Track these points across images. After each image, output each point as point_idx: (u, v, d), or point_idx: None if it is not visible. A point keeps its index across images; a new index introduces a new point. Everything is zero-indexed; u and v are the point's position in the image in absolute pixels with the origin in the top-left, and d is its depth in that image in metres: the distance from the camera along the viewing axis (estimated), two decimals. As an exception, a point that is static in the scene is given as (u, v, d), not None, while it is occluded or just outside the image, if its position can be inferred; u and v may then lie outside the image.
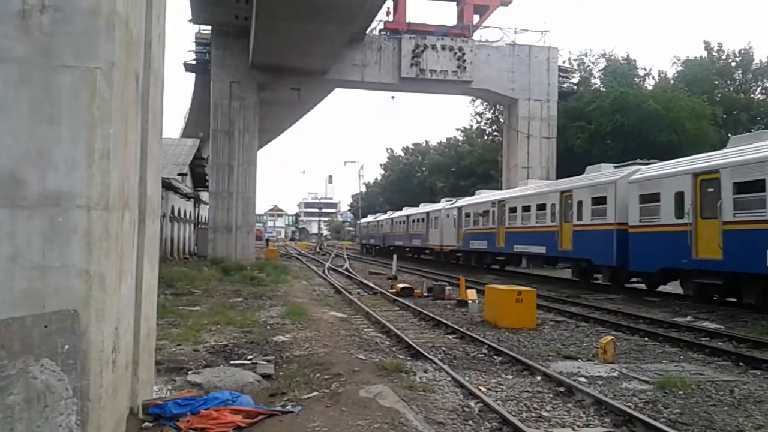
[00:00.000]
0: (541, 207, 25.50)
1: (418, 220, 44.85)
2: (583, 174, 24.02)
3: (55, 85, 4.55)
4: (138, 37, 5.51)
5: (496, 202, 30.48)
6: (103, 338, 4.64)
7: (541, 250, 25.34)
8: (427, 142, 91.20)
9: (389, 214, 56.76)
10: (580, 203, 22.34)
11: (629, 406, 7.10)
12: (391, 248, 50.56)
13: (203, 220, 48.68)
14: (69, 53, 4.58)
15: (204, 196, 44.96)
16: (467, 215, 34.06)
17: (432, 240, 40.51)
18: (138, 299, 5.76)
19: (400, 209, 54.84)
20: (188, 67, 37.19)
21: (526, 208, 26.92)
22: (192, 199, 44.01)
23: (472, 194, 38.05)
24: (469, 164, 58.78)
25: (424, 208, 44.96)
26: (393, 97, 46.17)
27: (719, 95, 46.28)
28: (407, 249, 48.86)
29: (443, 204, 39.65)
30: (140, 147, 5.71)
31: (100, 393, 4.60)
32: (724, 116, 43.74)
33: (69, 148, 4.53)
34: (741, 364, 9.83)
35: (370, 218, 70.10)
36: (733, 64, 48.93)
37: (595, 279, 22.75)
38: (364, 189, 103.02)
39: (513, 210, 28.38)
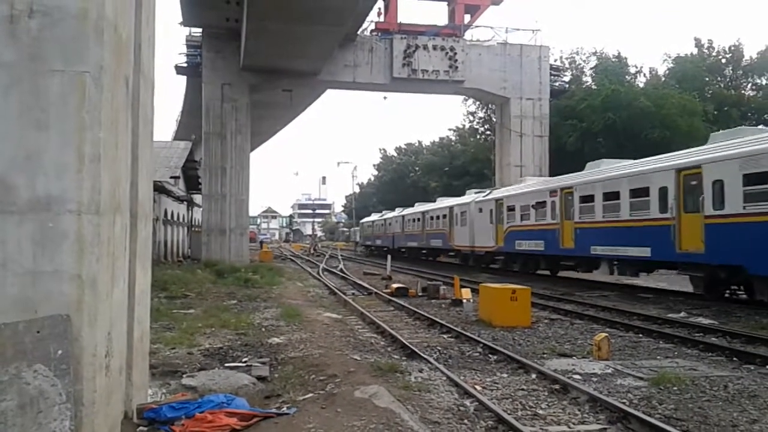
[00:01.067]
0: (640, 193, 18.57)
1: (438, 217, 38.32)
2: (706, 145, 17.87)
3: (44, 89, 4.54)
4: (127, 40, 5.50)
5: (557, 189, 23.64)
6: (95, 343, 4.63)
7: (641, 252, 18.31)
8: (420, 142, 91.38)
9: (399, 212, 50.17)
10: (717, 184, 15.71)
11: (624, 403, 7.13)
12: (402, 250, 46.81)
13: (196, 223, 48.58)
14: (58, 57, 4.57)
15: (197, 198, 44.84)
16: (510, 209, 27.46)
17: (458, 240, 34.09)
18: (131, 303, 5.75)
19: (412, 206, 48.50)
20: (179, 69, 37.07)
21: (611, 196, 20.06)
22: (185, 202, 43.91)
23: (464, 193, 37.51)
24: (462, 164, 58.83)
25: (446, 202, 38.88)
26: (385, 98, 46.15)
27: (710, 92, 46.44)
28: (424, 251, 43.05)
29: (473, 196, 33.57)
30: (131, 150, 5.71)
31: (94, 398, 4.59)
32: (715, 112, 43.85)
33: (59, 153, 4.53)
34: (735, 359, 9.88)
35: (374, 216, 62.36)
36: (724, 60, 49.08)
37: (734, 293, 17.03)
38: (357, 190, 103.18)
39: (587, 199, 21.45)
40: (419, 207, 44.61)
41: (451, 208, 35.94)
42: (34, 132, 4.50)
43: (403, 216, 47.58)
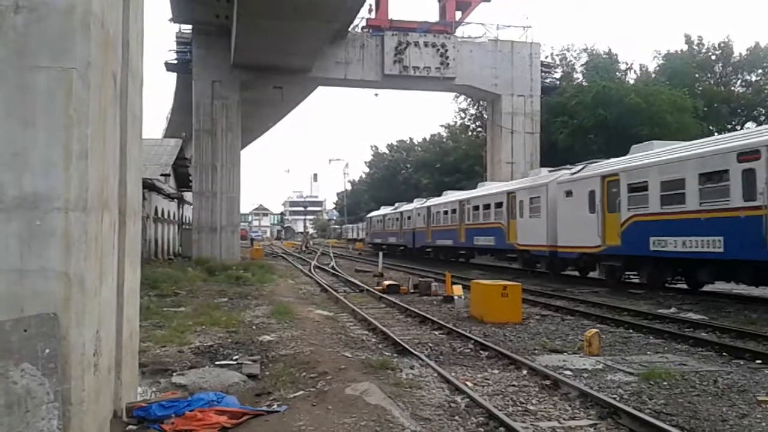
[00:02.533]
0: None
1: (486, 207, 29.51)
2: None
3: (31, 86, 4.49)
4: (115, 36, 5.46)
5: (759, 148, 14.06)
6: (83, 341, 4.59)
7: None
8: (411, 139, 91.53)
9: (419, 203, 41.93)
10: None
11: (614, 398, 7.15)
12: (428, 250, 39.09)
13: (187, 221, 48.40)
14: (44, 53, 4.52)
15: (188, 196, 44.70)
16: (636, 188, 18.27)
17: (524, 237, 25.24)
18: (120, 301, 5.71)
19: (417, 203, 42.39)
20: (169, 66, 36.87)
21: None
22: (176, 200, 43.72)
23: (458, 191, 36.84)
24: (454, 160, 58.89)
25: (497, 186, 30.28)
26: (377, 95, 46.08)
27: (700, 88, 46.72)
28: (462, 251, 34.66)
29: (548, 175, 24.61)
30: (119, 147, 5.67)
31: (82, 397, 4.55)
32: (705, 109, 44.12)
33: (45, 150, 4.48)
34: (724, 354, 9.92)
35: (386, 210, 52.70)
36: (713, 57, 49.43)
37: None
38: (349, 187, 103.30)
39: None
40: (453, 195, 36.64)
41: (510, 193, 27.01)
42: (20, 129, 4.45)
43: (428, 207, 38.87)
